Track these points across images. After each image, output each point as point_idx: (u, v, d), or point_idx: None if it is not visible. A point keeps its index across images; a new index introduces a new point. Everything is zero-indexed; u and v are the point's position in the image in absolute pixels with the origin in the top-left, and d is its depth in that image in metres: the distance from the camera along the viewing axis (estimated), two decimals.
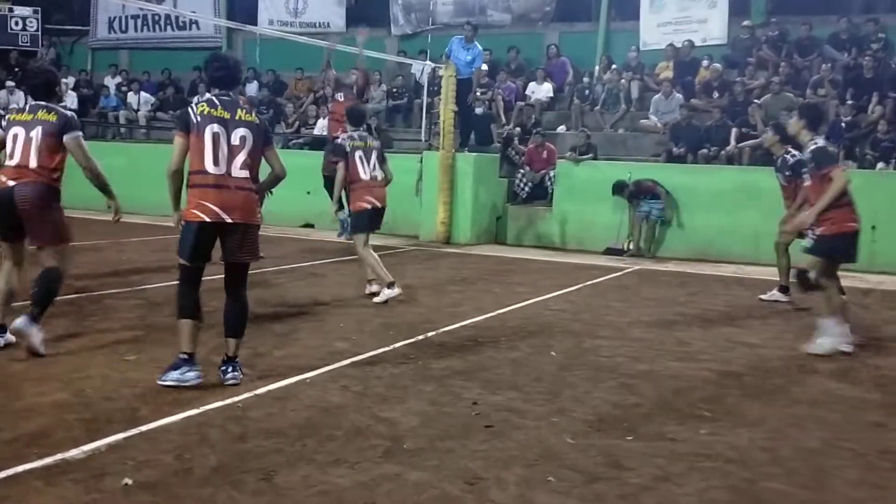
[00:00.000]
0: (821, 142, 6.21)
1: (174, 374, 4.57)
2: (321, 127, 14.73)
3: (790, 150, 7.88)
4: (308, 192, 12.94)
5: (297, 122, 15.99)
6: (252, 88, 17.46)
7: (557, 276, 9.50)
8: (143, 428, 3.93)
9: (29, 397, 4.33)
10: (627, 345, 6.12)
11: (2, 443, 3.68)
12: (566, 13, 16.43)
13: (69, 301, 6.80)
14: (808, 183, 6.31)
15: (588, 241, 11.88)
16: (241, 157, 4.59)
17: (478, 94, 13.85)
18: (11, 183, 5.04)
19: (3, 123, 5.31)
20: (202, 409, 4.23)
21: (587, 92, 14.31)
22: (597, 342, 6.17)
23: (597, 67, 14.82)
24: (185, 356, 4.59)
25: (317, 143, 14.66)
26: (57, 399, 4.32)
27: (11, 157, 5.12)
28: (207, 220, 4.51)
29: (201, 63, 18.11)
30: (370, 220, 7.49)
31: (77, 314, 6.41)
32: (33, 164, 5.07)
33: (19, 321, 5.04)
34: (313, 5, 18.23)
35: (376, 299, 7.36)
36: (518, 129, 13.62)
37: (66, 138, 5.13)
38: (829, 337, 5.97)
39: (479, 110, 13.80)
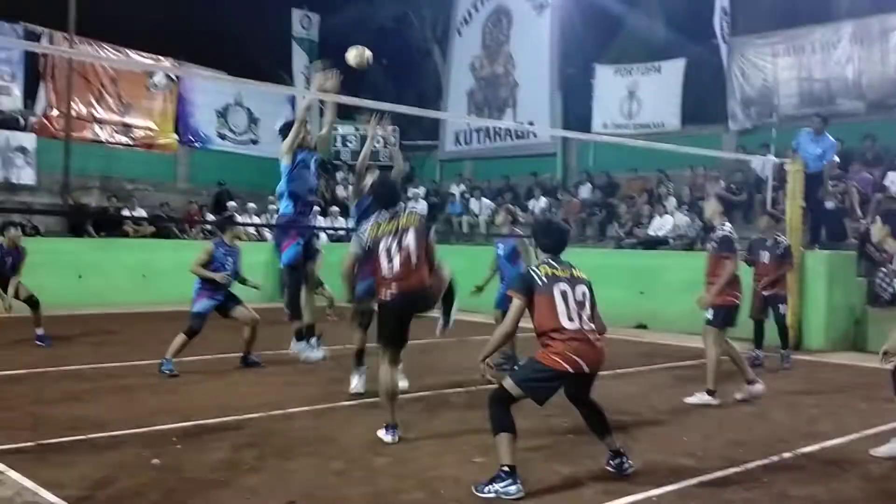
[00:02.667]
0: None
1: (495, 487, 4.59)
2: (656, 227, 14.57)
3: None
4: (641, 293, 12.86)
5: (630, 222, 15.97)
6: (585, 190, 17.87)
7: None
8: None
9: (388, 494, 4.59)
10: None
11: None
12: None
13: (417, 398, 7.22)
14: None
15: None
16: (585, 312, 4.81)
17: (829, 187, 12.82)
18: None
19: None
20: None
21: None
22: None
23: None
24: (508, 469, 4.62)
25: (650, 243, 14.50)
26: (414, 498, 4.53)
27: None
28: (571, 370, 4.68)
29: (537, 168, 19.16)
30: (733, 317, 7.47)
31: (428, 412, 6.77)
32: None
33: None
34: (648, 106, 18.34)
35: None
36: None
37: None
38: None
39: (829, 204, 12.74)
